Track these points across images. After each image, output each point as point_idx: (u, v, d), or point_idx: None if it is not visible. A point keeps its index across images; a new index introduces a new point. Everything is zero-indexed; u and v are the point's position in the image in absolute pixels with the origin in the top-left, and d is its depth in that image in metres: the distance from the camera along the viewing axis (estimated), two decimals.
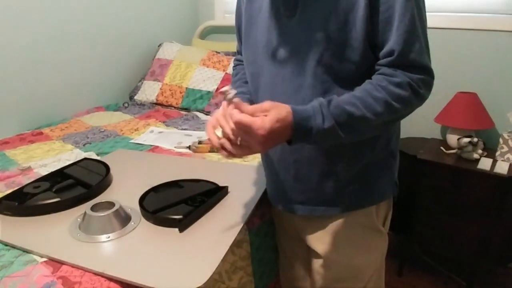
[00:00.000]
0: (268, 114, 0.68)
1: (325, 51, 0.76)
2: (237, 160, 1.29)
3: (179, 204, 0.95)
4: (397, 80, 0.72)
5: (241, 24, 0.95)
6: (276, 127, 0.67)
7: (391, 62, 0.73)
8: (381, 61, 0.75)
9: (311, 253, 1.00)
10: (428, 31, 0.76)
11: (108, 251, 0.81)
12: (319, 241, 0.94)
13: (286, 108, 0.70)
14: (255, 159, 1.28)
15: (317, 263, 0.97)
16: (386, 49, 0.73)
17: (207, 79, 1.97)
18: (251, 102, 0.90)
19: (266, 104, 0.70)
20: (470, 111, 1.62)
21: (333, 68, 0.77)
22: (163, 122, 1.75)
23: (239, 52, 1.09)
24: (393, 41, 0.72)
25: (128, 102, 2.08)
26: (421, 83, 0.73)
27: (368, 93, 0.72)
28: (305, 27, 0.77)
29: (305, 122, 0.70)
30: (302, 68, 0.79)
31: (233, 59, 1.83)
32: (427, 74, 0.74)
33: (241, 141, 0.71)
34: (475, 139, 1.56)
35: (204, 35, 2.50)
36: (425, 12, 0.76)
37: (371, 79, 0.75)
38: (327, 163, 0.85)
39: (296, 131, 0.70)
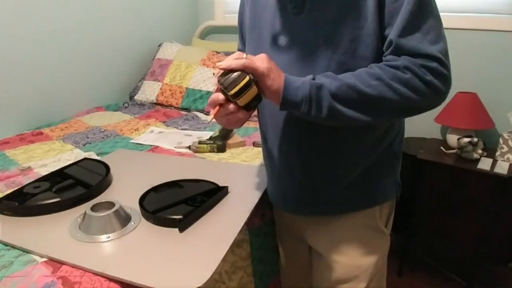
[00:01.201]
0: None
1: (337, 48, 0.75)
2: (237, 160, 1.29)
3: (179, 204, 0.95)
4: (395, 63, 0.71)
5: (243, 23, 0.95)
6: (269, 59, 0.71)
7: (391, 53, 0.72)
8: (385, 53, 0.74)
9: (313, 253, 1.00)
10: None
11: (108, 251, 0.81)
12: (322, 241, 0.94)
13: None
14: (256, 159, 1.28)
15: (319, 263, 0.97)
16: (386, 42, 0.73)
17: (207, 79, 1.97)
18: None
19: None
20: (470, 111, 1.62)
21: (346, 65, 0.75)
22: (163, 122, 1.75)
23: None
24: (391, 33, 0.71)
25: (128, 102, 2.08)
26: (425, 69, 0.70)
27: (363, 69, 0.73)
28: (315, 24, 0.76)
29: (293, 78, 0.72)
30: (311, 67, 0.78)
31: None
32: (431, 60, 0.70)
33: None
34: (475, 139, 1.56)
35: (204, 35, 2.50)
36: (433, 2, 0.73)
37: None
38: (331, 164, 0.85)
39: (286, 79, 0.71)
